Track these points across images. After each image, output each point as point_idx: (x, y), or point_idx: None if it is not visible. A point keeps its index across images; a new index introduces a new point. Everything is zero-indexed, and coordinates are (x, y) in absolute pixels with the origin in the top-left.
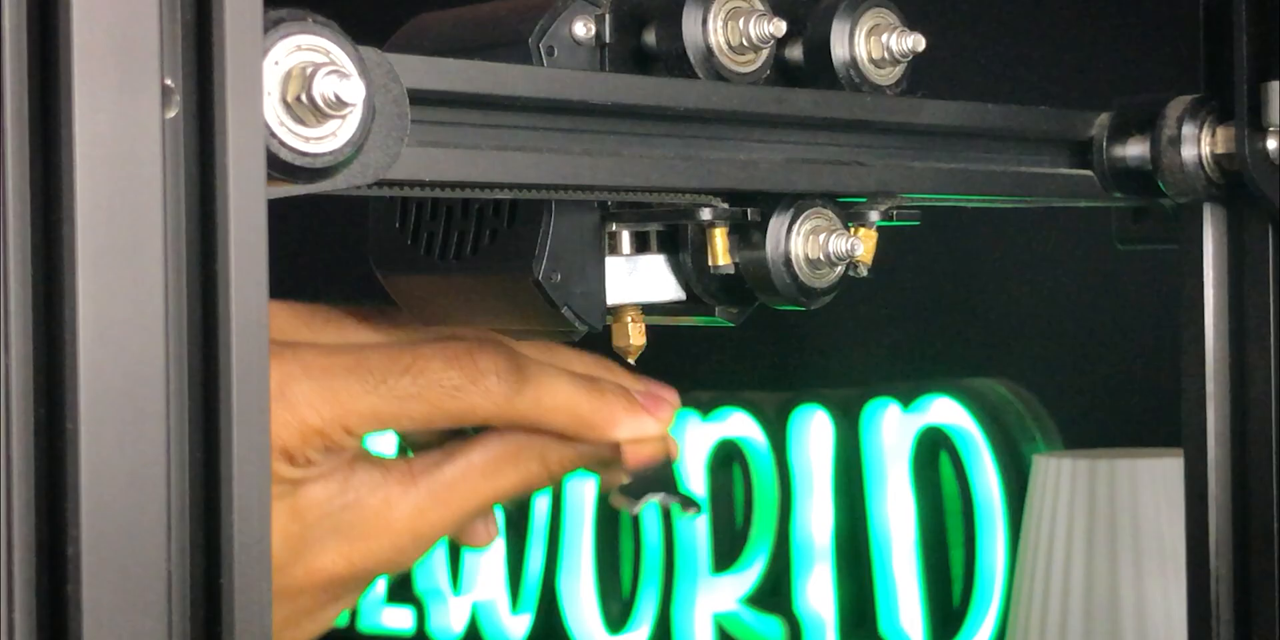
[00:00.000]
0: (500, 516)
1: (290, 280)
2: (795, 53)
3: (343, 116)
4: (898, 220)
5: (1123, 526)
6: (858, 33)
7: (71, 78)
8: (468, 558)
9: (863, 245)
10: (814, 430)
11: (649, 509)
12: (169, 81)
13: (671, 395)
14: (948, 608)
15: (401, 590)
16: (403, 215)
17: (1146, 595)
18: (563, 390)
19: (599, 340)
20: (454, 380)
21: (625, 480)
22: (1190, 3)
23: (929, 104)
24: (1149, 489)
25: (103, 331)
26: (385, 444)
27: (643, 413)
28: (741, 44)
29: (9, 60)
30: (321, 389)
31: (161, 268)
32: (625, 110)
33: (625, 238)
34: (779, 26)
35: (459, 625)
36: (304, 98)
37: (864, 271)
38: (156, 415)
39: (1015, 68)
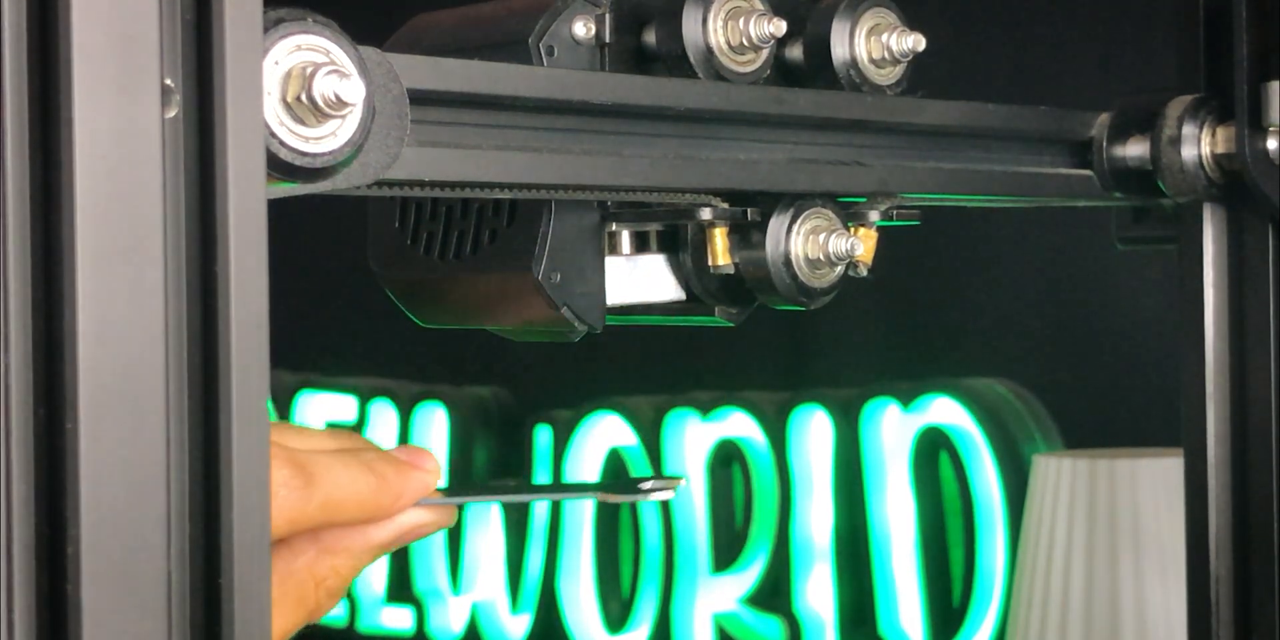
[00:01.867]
0: (501, 517)
1: (290, 280)
2: (795, 53)
3: (343, 116)
4: (898, 220)
5: (1123, 526)
6: (858, 33)
7: (71, 77)
8: (468, 558)
9: (863, 245)
10: (814, 430)
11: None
12: (169, 81)
13: (417, 451)
14: (948, 608)
15: (401, 590)
16: (402, 215)
17: (1146, 595)
18: (344, 478)
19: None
20: None
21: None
22: (1190, 3)
23: (929, 104)
24: (1149, 489)
25: (103, 331)
26: None
27: (412, 469)
28: (741, 44)
29: (9, 60)
30: None
31: (161, 268)
32: (625, 110)
33: (625, 238)
34: (779, 26)
35: (459, 625)
36: (304, 97)
37: (864, 271)
38: (156, 415)
39: (1015, 68)
